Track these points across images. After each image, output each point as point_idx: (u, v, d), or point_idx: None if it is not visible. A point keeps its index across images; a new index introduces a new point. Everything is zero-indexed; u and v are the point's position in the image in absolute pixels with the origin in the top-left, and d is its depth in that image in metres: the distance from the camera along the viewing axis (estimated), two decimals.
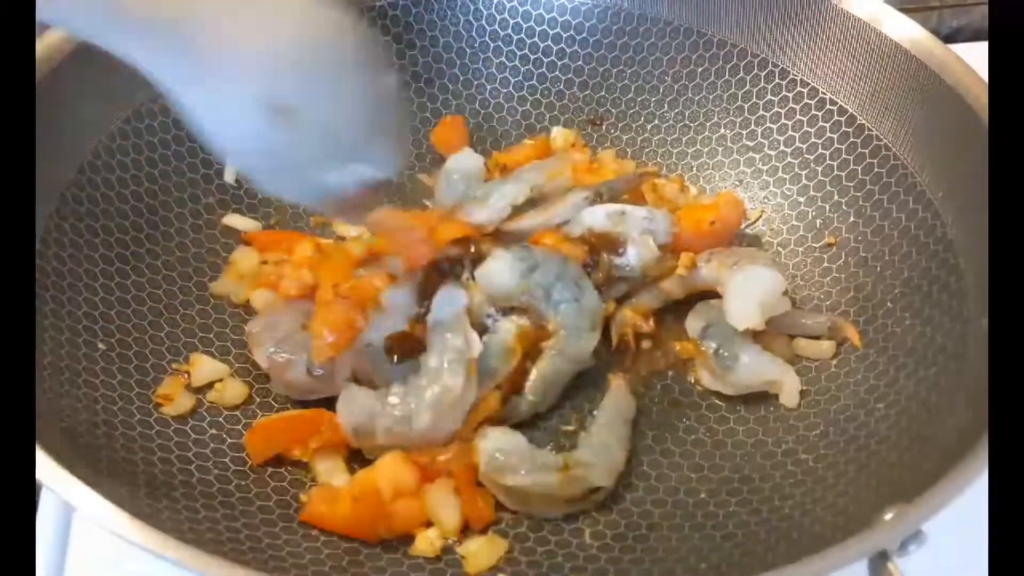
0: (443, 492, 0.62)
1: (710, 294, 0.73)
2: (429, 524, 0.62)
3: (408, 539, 0.61)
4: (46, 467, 0.51)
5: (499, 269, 0.68)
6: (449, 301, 0.66)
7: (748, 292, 0.70)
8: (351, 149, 0.53)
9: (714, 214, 0.76)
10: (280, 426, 0.65)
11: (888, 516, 0.50)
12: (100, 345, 0.66)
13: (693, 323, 0.73)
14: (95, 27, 0.47)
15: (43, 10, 0.45)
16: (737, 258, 0.73)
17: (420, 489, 0.62)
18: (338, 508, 0.60)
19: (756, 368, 0.69)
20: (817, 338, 0.72)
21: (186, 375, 0.68)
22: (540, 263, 0.69)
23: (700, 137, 0.85)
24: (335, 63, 0.51)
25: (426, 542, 0.61)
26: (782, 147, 0.81)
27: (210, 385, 0.68)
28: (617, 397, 0.69)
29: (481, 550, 0.60)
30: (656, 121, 0.86)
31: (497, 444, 0.63)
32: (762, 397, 0.70)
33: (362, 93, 0.52)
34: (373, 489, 0.61)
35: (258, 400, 0.69)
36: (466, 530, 0.62)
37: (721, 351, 0.70)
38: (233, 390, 0.68)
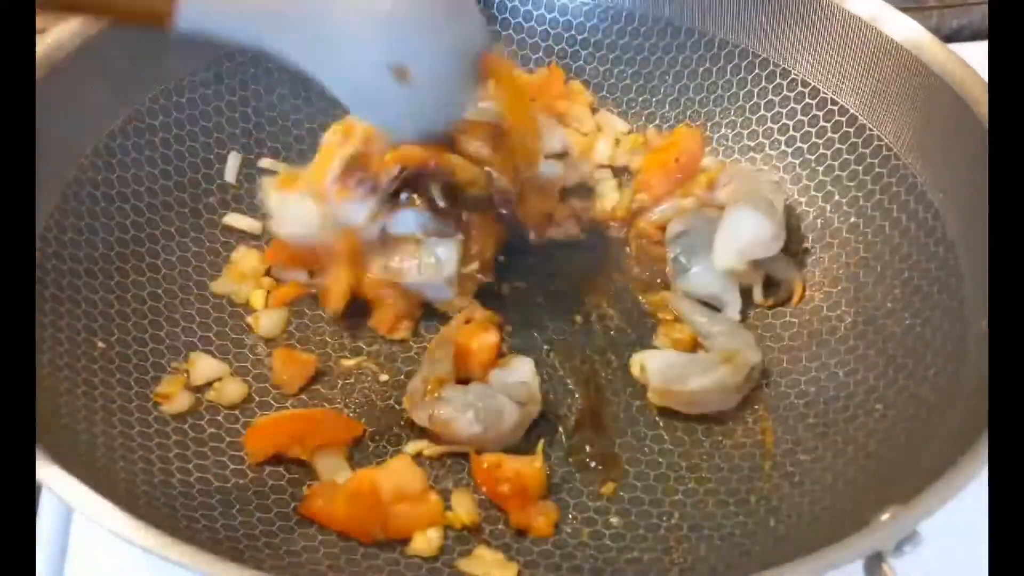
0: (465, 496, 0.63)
1: None
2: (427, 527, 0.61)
3: (405, 539, 0.61)
4: (46, 467, 0.51)
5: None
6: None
7: (736, 233, 0.73)
8: (453, 94, 0.63)
9: (676, 151, 0.79)
10: (280, 425, 0.65)
11: (884, 517, 0.50)
12: (100, 344, 0.67)
13: (675, 225, 0.76)
14: (240, 29, 0.54)
15: (188, 19, 0.51)
16: (749, 187, 0.75)
17: (424, 494, 0.62)
18: (334, 504, 0.60)
19: (703, 279, 0.73)
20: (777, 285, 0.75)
21: (185, 374, 0.69)
22: None
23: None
24: (436, 22, 0.59)
25: (424, 542, 0.61)
26: (783, 147, 0.81)
27: (209, 384, 0.68)
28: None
29: (490, 572, 0.60)
30: (657, 121, 0.86)
31: (663, 361, 0.69)
32: (761, 398, 0.70)
33: (459, 45, 0.62)
34: (371, 488, 0.61)
35: (257, 399, 0.69)
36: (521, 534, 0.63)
37: (680, 257, 0.74)
38: (232, 389, 0.68)
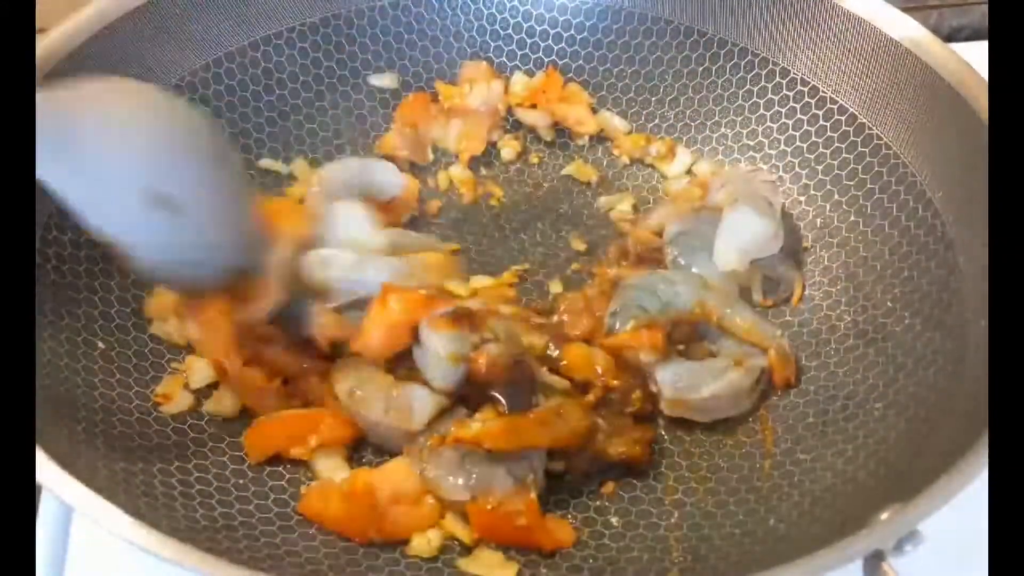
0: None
1: None
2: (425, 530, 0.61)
3: (403, 540, 0.61)
4: (46, 468, 0.51)
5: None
6: None
7: (735, 233, 0.73)
8: (223, 233, 0.60)
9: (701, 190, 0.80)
10: (280, 425, 0.65)
11: (884, 516, 0.50)
12: (100, 344, 0.67)
13: (672, 227, 0.76)
14: None
15: None
16: (745, 188, 0.76)
17: (421, 497, 0.62)
18: (330, 504, 0.60)
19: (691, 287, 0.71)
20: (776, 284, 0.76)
21: (185, 374, 0.69)
22: None
23: (701, 137, 0.85)
24: (201, 152, 0.58)
25: (423, 543, 0.60)
26: (783, 146, 0.81)
27: (208, 393, 0.68)
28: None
29: (490, 572, 0.60)
30: (657, 121, 0.86)
31: (673, 371, 0.67)
32: (761, 397, 0.70)
33: (224, 178, 0.59)
34: (366, 489, 0.61)
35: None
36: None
37: (679, 259, 0.74)
38: (231, 400, 0.67)
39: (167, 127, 0.57)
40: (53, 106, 0.52)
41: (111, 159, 0.54)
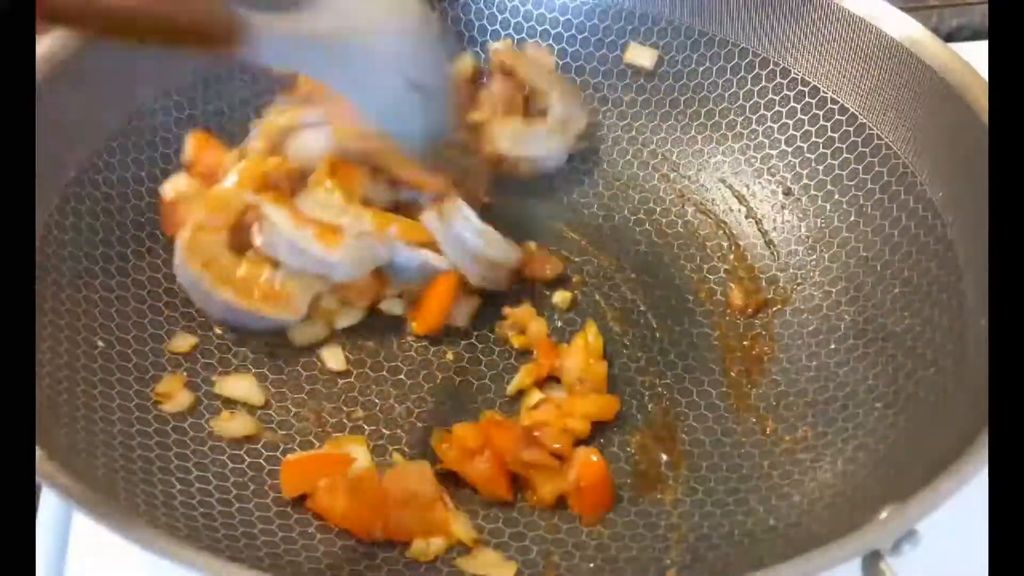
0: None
1: None
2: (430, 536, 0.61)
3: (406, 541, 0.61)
4: (46, 467, 0.51)
5: None
6: None
7: None
8: (450, 104, 0.73)
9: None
10: (315, 463, 0.64)
11: (882, 515, 0.50)
12: (99, 343, 0.67)
13: None
14: (281, 56, 0.61)
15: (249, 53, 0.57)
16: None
17: (433, 504, 0.61)
18: (337, 501, 0.60)
19: None
20: None
21: (184, 373, 0.69)
22: None
23: (701, 136, 0.85)
24: (435, 44, 0.69)
25: (422, 548, 0.60)
26: (783, 146, 0.81)
27: (217, 411, 0.67)
28: None
29: (489, 572, 0.60)
30: (657, 120, 0.86)
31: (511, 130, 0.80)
32: (761, 397, 0.70)
33: (445, 62, 0.73)
34: (374, 487, 0.61)
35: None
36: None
37: None
38: (240, 422, 0.67)
39: (416, 26, 0.67)
40: (328, 26, 0.62)
41: (382, 63, 0.65)
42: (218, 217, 0.70)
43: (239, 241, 0.70)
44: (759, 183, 0.82)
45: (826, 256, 0.77)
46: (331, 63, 0.63)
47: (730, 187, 0.83)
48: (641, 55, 0.85)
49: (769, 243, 0.80)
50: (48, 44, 0.68)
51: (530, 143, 0.81)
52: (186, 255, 0.69)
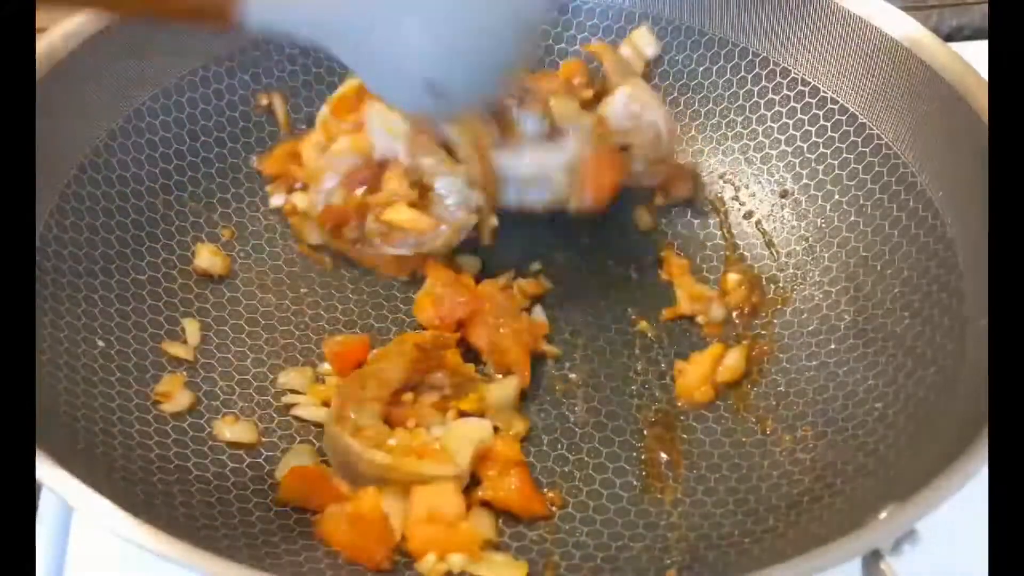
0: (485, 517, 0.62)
1: None
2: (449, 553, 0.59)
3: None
4: (46, 467, 0.51)
5: None
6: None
7: None
8: (493, 73, 0.63)
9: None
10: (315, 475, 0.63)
11: (882, 515, 0.50)
12: (99, 343, 0.67)
13: None
14: (294, 30, 0.58)
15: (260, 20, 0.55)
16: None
17: (458, 522, 0.60)
18: (339, 529, 0.59)
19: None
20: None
21: (184, 373, 0.69)
22: None
23: (700, 136, 0.84)
24: (475, 49, 0.59)
25: (429, 564, 0.59)
26: (783, 146, 0.81)
27: (218, 412, 0.67)
28: None
29: (500, 573, 0.59)
30: None
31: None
32: (761, 397, 0.70)
33: (500, 60, 0.61)
34: (375, 515, 0.59)
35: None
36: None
37: None
38: (243, 429, 0.67)
39: (445, 28, 0.59)
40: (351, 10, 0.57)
41: (400, 60, 0.58)
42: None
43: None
44: (759, 183, 0.82)
45: (826, 256, 0.77)
46: (334, 39, 0.57)
47: (730, 186, 0.83)
48: (645, 41, 0.84)
49: (769, 243, 0.80)
50: (48, 44, 0.68)
51: None
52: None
